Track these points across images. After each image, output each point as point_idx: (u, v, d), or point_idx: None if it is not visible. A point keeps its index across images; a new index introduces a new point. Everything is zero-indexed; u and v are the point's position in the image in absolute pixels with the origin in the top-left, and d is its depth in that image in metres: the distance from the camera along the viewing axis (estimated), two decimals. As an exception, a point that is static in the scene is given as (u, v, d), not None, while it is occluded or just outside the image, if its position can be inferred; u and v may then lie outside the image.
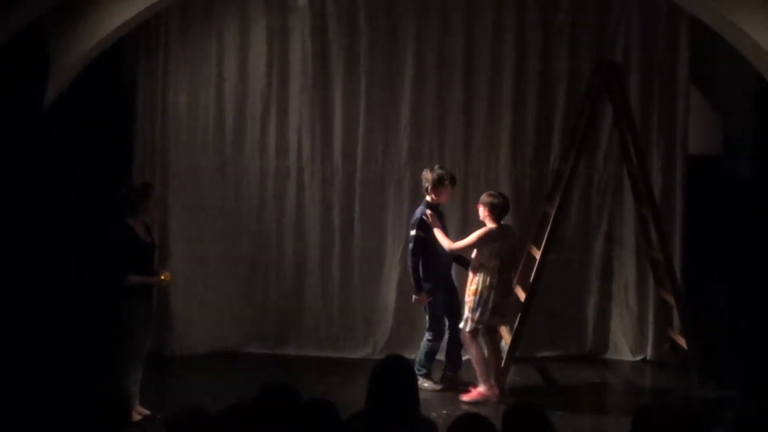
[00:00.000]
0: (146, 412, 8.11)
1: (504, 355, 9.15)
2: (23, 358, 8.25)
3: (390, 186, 10.21)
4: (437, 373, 9.31)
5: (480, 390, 8.91)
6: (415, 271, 8.97)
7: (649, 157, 9.94)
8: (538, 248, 9.40)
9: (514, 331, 9.32)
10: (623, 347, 10.38)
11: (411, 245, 8.99)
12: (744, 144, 10.23)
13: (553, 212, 9.38)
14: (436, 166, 9.13)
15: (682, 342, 9.58)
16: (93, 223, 9.23)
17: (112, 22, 8.73)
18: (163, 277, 8.21)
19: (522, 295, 9.42)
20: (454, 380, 9.26)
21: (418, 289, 9.01)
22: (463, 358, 9.37)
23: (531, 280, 9.33)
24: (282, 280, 10.25)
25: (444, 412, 8.45)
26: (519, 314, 9.27)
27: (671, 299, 9.59)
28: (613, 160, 10.23)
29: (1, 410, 7.53)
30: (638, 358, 10.35)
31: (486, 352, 9.08)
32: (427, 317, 9.18)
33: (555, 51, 10.18)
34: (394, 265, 10.22)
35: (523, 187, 10.24)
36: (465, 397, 8.92)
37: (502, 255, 8.81)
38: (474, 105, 10.19)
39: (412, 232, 8.97)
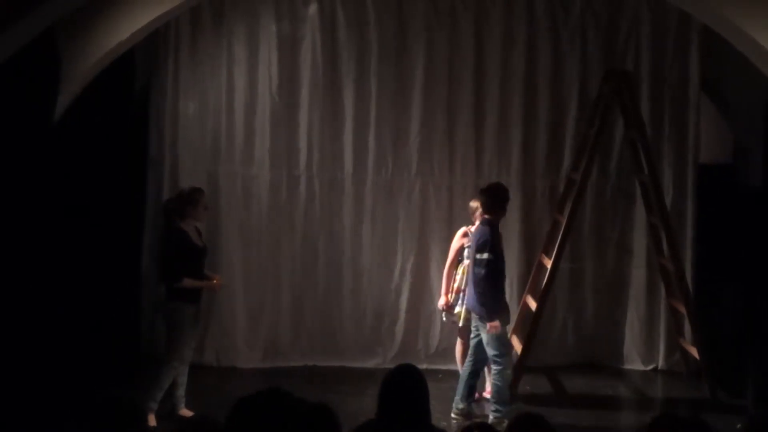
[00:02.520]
0: (190, 413, 8.18)
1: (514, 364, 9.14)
2: (43, 370, 8.30)
3: (400, 195, 10.19)
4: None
5: None
6: (489, 296, 8.19)
7: (660, 166, 9.93)
8: (549, 257, 9.39)
9: (525, 340, 9.33)
10: (634, 357, 10.36)
11: (482, 270, 8.15)
12: (755, 152, 10.21)
13: (564, 221, 9.37)
14: (496, 184, 8.65)
15: (693, 351, 9.56)
16: (107, 231, 9.28)
17: (123, 30, 8.75)
18: (215, 281, 8.32)
19: (533, 304, 9.40)
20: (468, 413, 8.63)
21: (492, 317, 8.15)
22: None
23: (542, 289, 9.32)
24: (291, 290, 10.21)
25: (454, 422, 8.44)
26: (530, 323, 9.27)
27: (682, 308, 9.57)
28: (625, 170, 10.19)
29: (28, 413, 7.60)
30: (649, 367, 10.32)
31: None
32: (490, 348, 8.28)
33: (565, 60, 10.18)
34: (404, 274, 10.19)
35: (534, 196, 10.23)
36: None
37: None
38: (484, 114, 10.18)
39: (483, 256, 8.16)
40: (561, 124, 10.25)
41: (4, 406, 7.58)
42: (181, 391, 8.29)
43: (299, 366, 10.06)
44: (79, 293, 9.01)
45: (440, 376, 9.57)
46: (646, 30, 10.16)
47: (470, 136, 10.19)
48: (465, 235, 8.95)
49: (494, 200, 8.30)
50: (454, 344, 9.68)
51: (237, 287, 10.05)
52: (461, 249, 8.93)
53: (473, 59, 10.12)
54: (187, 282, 8.03)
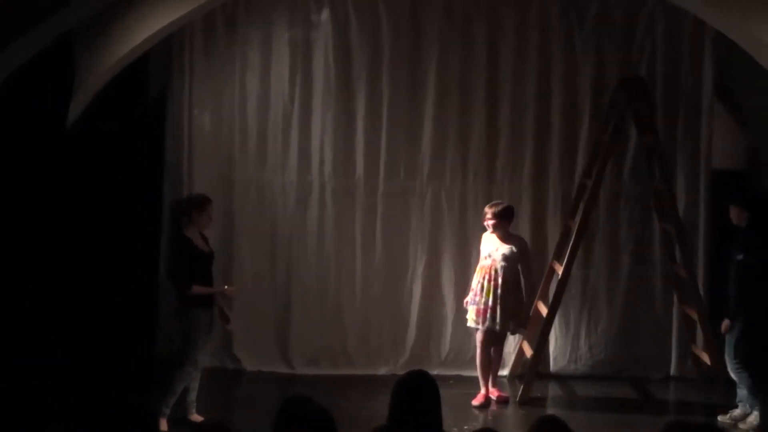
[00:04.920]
0: (200, 419, 8.18)
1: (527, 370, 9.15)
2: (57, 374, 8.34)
3: (412, 200, 10.18)
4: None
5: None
6: None
7: (673, 172, 9.91)
8: (561, 263, 9.38)
9: (536, 346, 9.32)
10: (647, 363, 10.30)
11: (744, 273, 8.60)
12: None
13: (575, 226, 9.36)
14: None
15: (706, 358, 9.53)
16: (123, 236, 9.30)
17: (136, 36, 8.77)
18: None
19: (544, 311, 9.40)
20: None
21: None
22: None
23: (553, 295, 9.32)
24: (302, 295, 10.18)
25: (465, 427, 8.43)
26: (541, 329, 9.27)
27: (694, 315, 9.55)
28: (640, 176, 10.14)
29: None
30: (662, 374, 10.27)
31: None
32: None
33: (579, 67, 10.15)
34: (415, 280, 10.18)
35: (547, 203, 10.20)
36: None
37: None
38: (497, 120, 10.15)
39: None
40: (574, 131, 10.21)
41: (17, 409, 7.60)
42: (192, 396, 8.31)
43: (308, 375, 10.00)
44: (95, 298, 9.05)
45: (451, 381, 9.58)
46: (660, 37, 10.12)
47: (483, 142, 10.16)
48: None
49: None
50: (465, 350, 9.74)
51: (248, 292, 10.04)
52: None
53: (486, 65, 10.10)
54: (197, 289, 8.04)
